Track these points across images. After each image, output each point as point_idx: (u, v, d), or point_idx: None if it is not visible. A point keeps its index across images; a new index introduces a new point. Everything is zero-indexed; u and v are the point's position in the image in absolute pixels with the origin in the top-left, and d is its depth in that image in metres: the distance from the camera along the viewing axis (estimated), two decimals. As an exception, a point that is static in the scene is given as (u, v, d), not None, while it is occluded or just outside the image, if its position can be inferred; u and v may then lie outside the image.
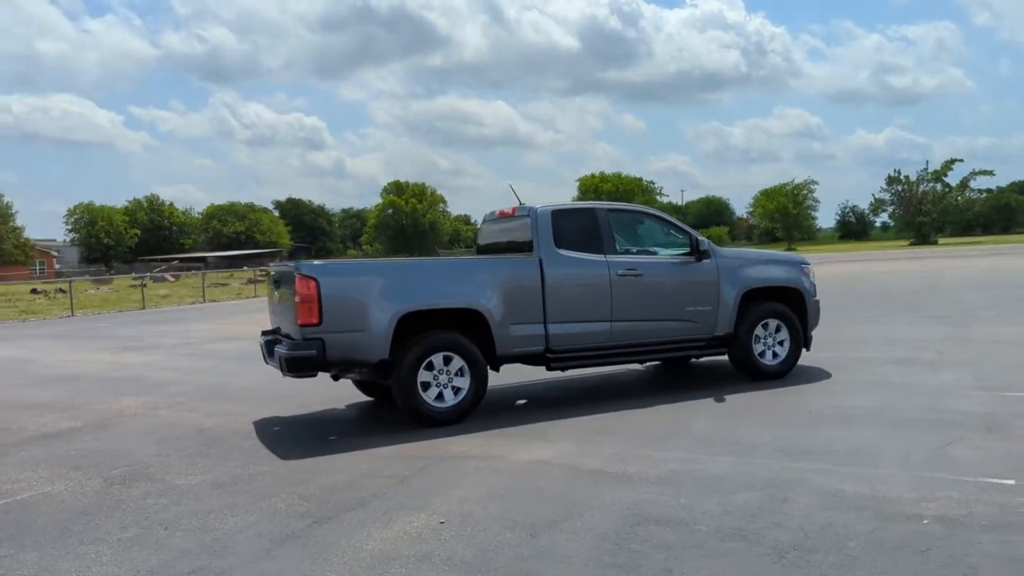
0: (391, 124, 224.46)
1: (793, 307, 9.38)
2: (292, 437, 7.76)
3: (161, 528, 5.23)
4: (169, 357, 14.78)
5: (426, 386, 7.67)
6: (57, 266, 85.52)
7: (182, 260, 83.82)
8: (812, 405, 7.84)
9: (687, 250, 8.93)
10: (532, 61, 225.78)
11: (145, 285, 38.79)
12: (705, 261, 8.93)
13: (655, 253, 9.02)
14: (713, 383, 9.18)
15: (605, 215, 8.80)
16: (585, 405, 8.39)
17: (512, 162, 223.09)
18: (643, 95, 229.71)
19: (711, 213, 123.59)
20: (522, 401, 8.96)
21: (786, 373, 9.22)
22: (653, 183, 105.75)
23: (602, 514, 5.03)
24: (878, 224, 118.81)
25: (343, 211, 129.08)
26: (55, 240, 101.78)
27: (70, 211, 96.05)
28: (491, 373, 8.14)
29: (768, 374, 9.11)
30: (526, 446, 6.80)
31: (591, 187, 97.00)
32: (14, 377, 13.01)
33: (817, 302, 9.62)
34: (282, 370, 7.48)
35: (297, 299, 7.36)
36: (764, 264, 9.54)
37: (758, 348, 9.16)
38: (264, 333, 8.73)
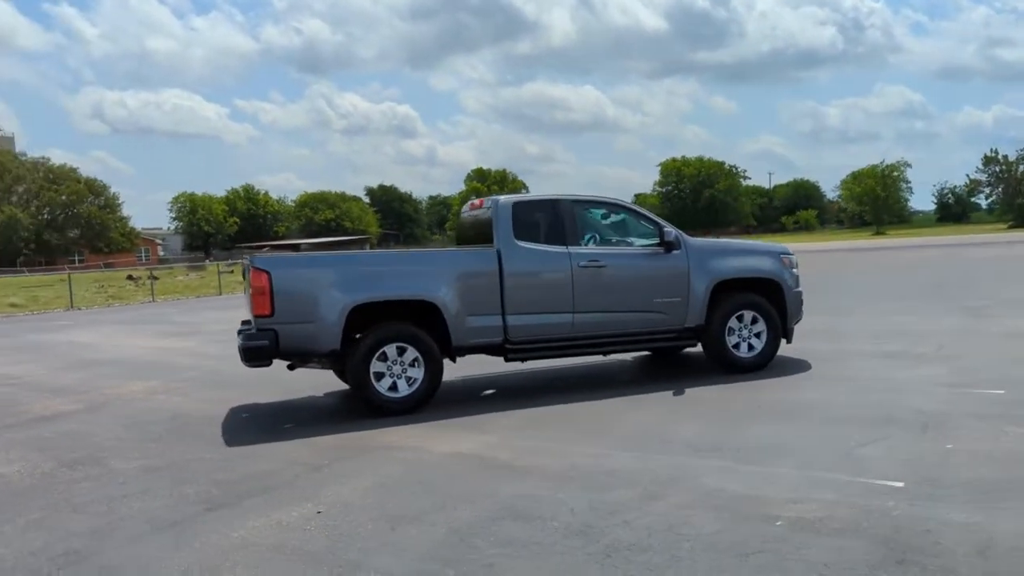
0: (481, 111, 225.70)
1: (771, 299, 9.08)
2: (253, 424, 7.99)
3: (70, 511, 5.48)
4: (204, 343, 15.35)
5: (380, 376, 7.77)
6: (161, 253, 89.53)
7: (274, 247, 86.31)
8: (764, 400, 7.62)
9: (656, 241, 8.74)
10: (620, 44, 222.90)
11: (232, 271, 40.18)
12: (675, 252, 8.73)
13: (630, 244, 8.87)
14: (691, 375, 9.02)
15: (570, 207, 8.70)
16: (547, 396, 8.35)
17: (600, 147, 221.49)
18: (734, 76, 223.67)
19: (799, 197, 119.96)
20: (489, 391, 8.97)
21: (763, 366, 8.95)
22: (736, 167, 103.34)
23: (472, 508, 5.03)
24: (983, 206, 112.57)
25: (431, 198, 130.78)
26: (161, 228, 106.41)
27: (174, 200, 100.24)
28: (501, 362, 8.41)
29: (743, 367, 8.86)
30: (457, 437, 6.82)
31: (672, 170, 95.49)
32: (58, 360, 13.73)
33: (798, 293, 9.28)
34: (241, 359, 7.69)
35: (251, 291, 7.57)
36: (738, 255, 9.27)
37: (732, 340, 8.91)
38: (243, 323, 8.98)
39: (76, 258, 74.78)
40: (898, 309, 14.28)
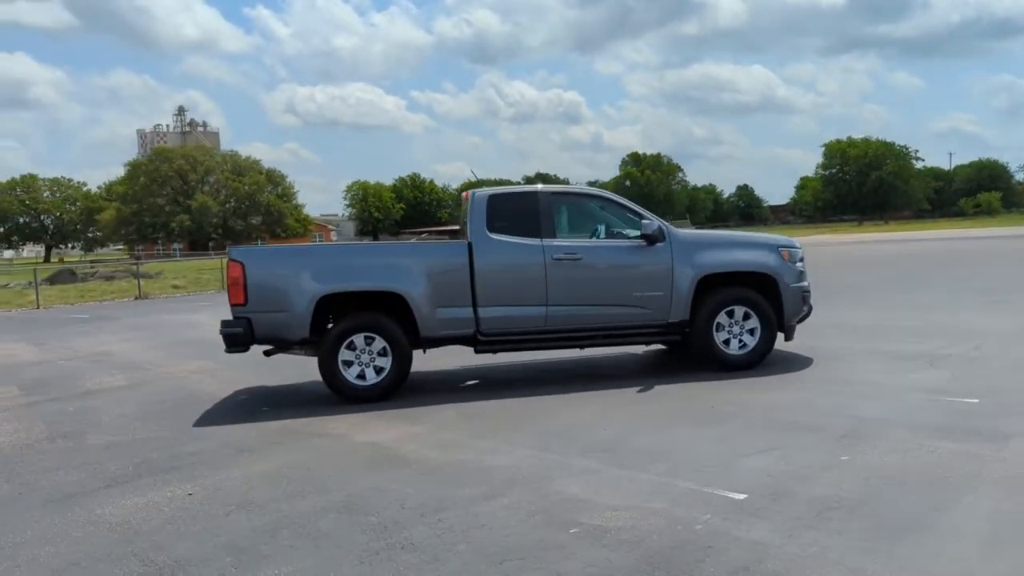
0: (647, 95, 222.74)
1: (768, 294, 8.51)
2: (239, 406, 8.35)
3: (3, 481, 5.99)
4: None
5: (349, 364, 7.95)
6: (334, 237, 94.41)
7: (436, 232, 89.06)
8: (720, 400, 7.21)
9: (639, 233, 8.41)
10: (792, 21, 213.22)
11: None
12: (658, 245, 8.36)
13: (611, 236, 8.59)
14: (684, 371, 8.66)
15: (548, 199, 8.52)
16: (516, 389, 8.27)
17: (771, 128, 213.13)
18: (918, 49, 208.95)
19: (983, 178, 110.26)
20: (472, 382, 8.95)
21: (754, 364, 8.43)
22: (906, 147, 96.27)
23: (317, 498, 5.12)
24: None
25: (589, 183, 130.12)
26: (337, 215, 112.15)
27: (348, 188, 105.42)
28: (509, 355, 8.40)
29: (732, 364, 8.39)
30: (387, 427, 6.91)
31: (837, 152, 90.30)
32: (159, 339, 14.83)
33: (800, 289, 8.64)
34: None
35: (228, 281, 7.93)
36: (729, 248, 8.74)
37: (722, 337, 8.45)
38: None
39: (258, 242, 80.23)
40: (979, 306, 12.95)
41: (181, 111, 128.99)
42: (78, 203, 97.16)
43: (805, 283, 8.79)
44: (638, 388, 7.87)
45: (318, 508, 4.91)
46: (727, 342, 8.47)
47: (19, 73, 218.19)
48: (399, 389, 8.07)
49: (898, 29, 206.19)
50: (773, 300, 8.51)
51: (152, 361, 11.80)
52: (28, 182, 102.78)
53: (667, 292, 8.35)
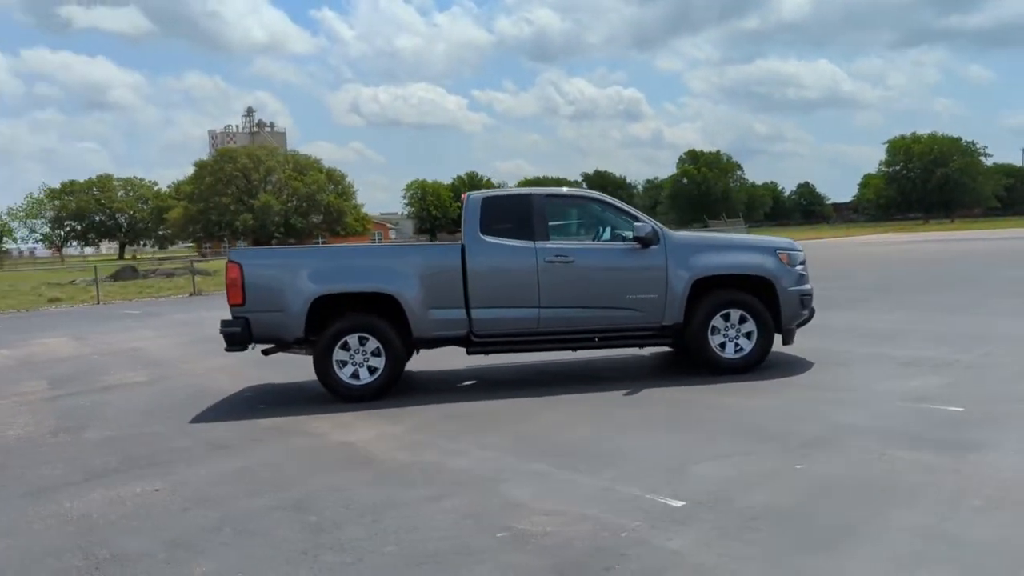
0: (707, 91, 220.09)
1: (765, 298, 8.36)
2: (241, 403, 8.52)
3: (-5, 471, 6.25)
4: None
5: (343, 364, 8.06)
6: (392, 236, 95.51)
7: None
8: (697, 403, 7.16)
9: (633, 236, 8.33)
10: (858, 14, 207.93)
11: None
12: (652, 247, 8.28)
13: (606, 239, 8.56)
14: (678, 374, 8.60)
15: (541, 202, 8.51)
16: (511, 390, 8.28)
17: (836, 124, 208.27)
18: (993, 40, 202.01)
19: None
20: (470, 382, 8.98)
21: (751, 368, 8.30)
22: (974, 143, 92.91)
23: (270, 496, 5.23)
24: None
25: (647, 182, 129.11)
26: (397, 213, 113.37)
27: (407, 187, 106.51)
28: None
29: (727, 368, 8.27)
30: (366, 427, 7.00)
31: (901, 148, 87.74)
32: (192, 334, 15.21)
33: (797, 292, 8.45)
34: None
35: (227, 282, 8.11)
36: (725, 250, 8.60)
37: (717, 340, 8.33)
38: None
39: (319, 240, 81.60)
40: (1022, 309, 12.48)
41: (250, 112, 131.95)
42: (149, 202, 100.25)
43: (806, 287, 8.61)
44: (625, 391, 7.80)
45: (268, 506, 5.01)
46: (722, 345, 8.35)
47: (100, 77, 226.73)
48: (393, 388, 8.15)
49: (970, 20, 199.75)
50: (771, 304, 8.36)
51: (179, 357, 12.12)
52: (104, 182, 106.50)
53: (661, 295, 8.27)
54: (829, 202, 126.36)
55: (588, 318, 8.31)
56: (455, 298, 8.18)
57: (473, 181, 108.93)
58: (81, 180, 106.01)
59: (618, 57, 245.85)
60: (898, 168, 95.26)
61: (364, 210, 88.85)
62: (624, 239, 8.41)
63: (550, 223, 8.44)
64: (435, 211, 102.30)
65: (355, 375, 8.08)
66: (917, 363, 8.38)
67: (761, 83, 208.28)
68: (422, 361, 9.51)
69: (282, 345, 8.37)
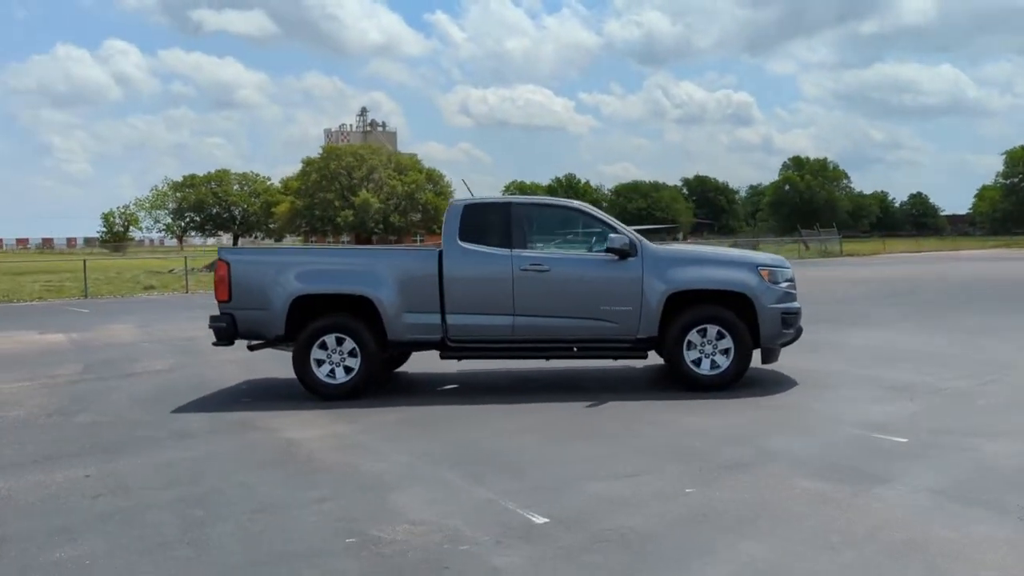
0: (821, 96, 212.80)
1: (744, 314, 8.11)
2: (228, 395, 8.82)
3: (-28, 448, 6.71)
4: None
5: (321, 363, 8.27)
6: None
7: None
8: (648, 421, 7.02)
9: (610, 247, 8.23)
10: (986, 16, 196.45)
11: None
12: (629, 259, 8.16)
13: (584, 249, 8.51)
14: (652, 387, 8.47)
15: (520, 211, 8.51)
16: (481, 396, 8.37)
17: (958, 132, 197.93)
18: None
19: None
20: (452, 386, 9.05)
21: (727, 385, 8.08)
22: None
23: (181, 490, 5.43)
24: None
25: (751, 188, 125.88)
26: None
27: (505, 188, 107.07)
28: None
29: (701, 384, 8.09)
30: (321, 425, 7.16)
31: (1020, 159, 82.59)
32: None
33: (778, 310, 8.15)
34: None
35: (215, 279, 8.45)
36: (703, 265, 8.38)
37: (692, 355, 8.14)
38: None
39: (417, 239, 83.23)
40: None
41: (363, 112, 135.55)
42: (260, 196, 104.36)
43: (790, 305, 8.31)
44: (590, 404, 7.72)
45: (172, 499, 5.21)
46: (698, 361, 8.15)
47: (228, 77, 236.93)
48: (369, 388, 8.30)
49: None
50: (750, 321, 8.10)
51: (210, 349, 12.60)
52: (221, 176, 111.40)
53: (636, 307, 8.14)
54: (944, 214, 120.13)
55: (562, 327, 8.25)
56: (431, 303, 8.27)
57: (571, 183, 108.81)
58: (201, 174, 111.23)
59: (729, 60, 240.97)
60: (1017, 180, 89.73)
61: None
62: (585, 249, 8.36)
63: (530, 232, 8.44)
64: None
65: (331, 374, 8.27)
66: (904, 389, 7.97)
67: (879, 88, 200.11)
68: (421, 362, 9.66)
69: (268, 342, 8.65)
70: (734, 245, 53.31)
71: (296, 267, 8.44)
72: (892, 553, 4.01)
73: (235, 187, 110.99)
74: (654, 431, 6.60)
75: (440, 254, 8.32)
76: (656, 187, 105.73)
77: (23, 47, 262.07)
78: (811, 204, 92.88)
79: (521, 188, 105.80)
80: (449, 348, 8.38)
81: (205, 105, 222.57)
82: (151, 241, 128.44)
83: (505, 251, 8.28)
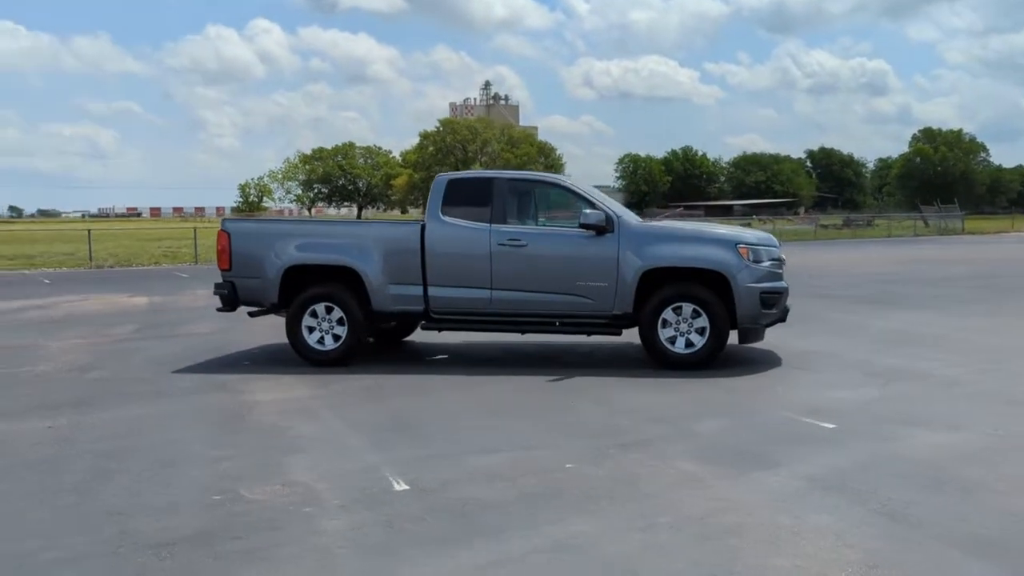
0: (966, 64, 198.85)
1: (722, 293, 7.89)
2: (236, 357, 9.28)
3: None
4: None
5: (312, 330, 8.61)
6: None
7: (707, 208, 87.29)
8: (590, 399, 6.95)
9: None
10: None
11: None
12: (607, 235, 8.07)
13: (563, 224, 8.46)
14: (631, 365, 8.36)
15: (503, 185, 8.53)
16: (461, 367, 8.56)
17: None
18: None
19: None
20: (442, 356, 9.23)
21: (701, 364, 7.91)
22: None
23: (108, 444, 5.82)
24: None
25: (879, 160, 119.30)
26: (610, 186, 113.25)
27: (620, 160, 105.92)
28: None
29: (675, 363, 7.95)
30: (291, 389, 7.48)
31: None
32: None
33: (756, 289, 7.86)
34: None
35: (217, 248, 8.91)
36: (680, 242, 8.17)
37: (667, 333, 8.00)
38: None
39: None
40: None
41: (487, 86, 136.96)
42: (382, 169, 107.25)
43: (772, 284, 8.01)
44: (555, 378, 7.74)
45: (99, 451, 5.56)
46: (672, 339, 8.00)
47: (361, 52, 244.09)
48: (356, 355, 8.59)
49: None
50: (728, 299, 7.88)
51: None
52: (347, 149, 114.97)
53: (611, 283, 8.06)
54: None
55: (538, 302, 8.27)
56: (414, 275, 8.45)
57: (687, 155, 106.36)
58: (329, 147, 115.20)
59: (864, 26, 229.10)
60: None
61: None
62: (564, 224, 8.30)
63: (511, 207, 8.46)
64: (644, 185, 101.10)
65: (321, 341, 8.60)
66: (885, 374, 7.61)
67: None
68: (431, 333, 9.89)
69: (266, 309, 9.05)
70: (846, 222, 50.63)
71: (290, 238, 8.78)
72: (705, 536, 3.93)
73: (360, 160, 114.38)
74: (591, 408, 6.58)
75: (423, 227, 8.48)
76: (776, 159, 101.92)
77: (178, 27, 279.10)
78: (943, 178, 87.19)
79: (634, 160, 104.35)
80: (431, 319, 8.55)
81: (340, 80, 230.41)
82: (289, 212, 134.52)
83: (484, 226, 8.34)
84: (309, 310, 8.58)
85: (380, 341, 10.02)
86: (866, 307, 12.58)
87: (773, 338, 9.35)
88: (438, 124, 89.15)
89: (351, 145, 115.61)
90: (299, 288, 8.71)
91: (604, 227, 8.07)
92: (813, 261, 23.97)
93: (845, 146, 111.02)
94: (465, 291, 8.39)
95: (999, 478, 4.68)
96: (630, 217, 8.45)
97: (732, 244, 8.02)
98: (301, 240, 8.81)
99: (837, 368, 7.96)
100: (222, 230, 8.90)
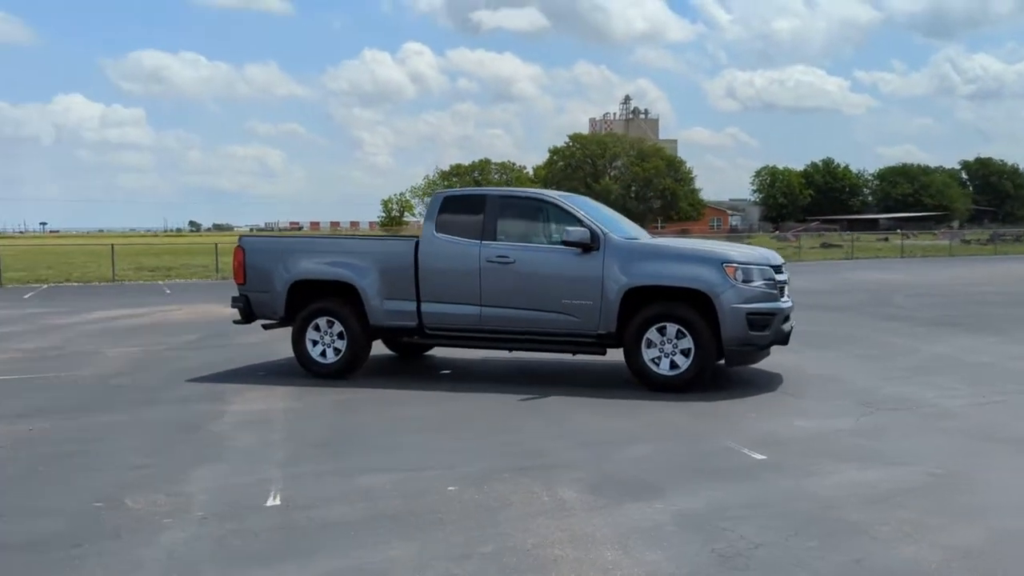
0: None
1: (707, 313, 7.50)
2: (252, 369, 9.58)
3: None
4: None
5: (315, 343, 8.83)
6: (733, 223, 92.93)
7: (850, 222, 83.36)
8: (549, 419, 6.76)
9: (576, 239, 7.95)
10: None
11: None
12: (592, 252, 7.85)
13: (552, 242, 8.29)
14: (615, 385, 8.09)
15: (495, 202, 8.46)
16: (450, 384, 8.49)
17: None
18: None
19: None
20: (445, 372, 9.22)
21: (686, 387, 7.54)
22: None
23: (71, 446, 6.18)
24: None
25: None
26: (747, 199, 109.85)
27: (756, 172, 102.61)
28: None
29: (659, 385, 7.63)
30: (270, 401, 7.68)
31: None
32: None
33: (743, 310, 7.40)
34: None
35: (234, 264, 9.30)
36: (662, 260, 7.81)
37: (652, 354, 7.67)
38: None
39: (658, 225, 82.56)
40: None
41: (626, 100, 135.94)
42: (513, 184, 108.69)
43: (762, 305, 7.52)
44: (528, 397, 7.58)
45: (60, 452, 5.92)
46: (657, 360, 7.66)
47: (506, 71, 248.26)
48: (357, 369, 8.74)
49: None
50: (712, 320, 7.47)
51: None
52: (483, 165, 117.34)
53: (596, 301, 7.83)
54: None
55: (525, 319, 8.13)
56: (408, 291, 8.51)
57: (829, 168, 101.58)
58: (466, 164, 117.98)
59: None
60: None
61: (703, 196, 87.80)
62: (552, 241, 8.11)
63: (503, 224, 8.36)
64: (782, 198, 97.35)
65: (323, 354, 8.80)
66: (876, 404, 7.03)
67: None
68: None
69: (277, 322, 9.33)
70: (992, 237, 46.55)
71: (297, 254, 9.04)
72: (513, 569, 3.75)
73: (494, 175, 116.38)
74: (537, 429, 6.40)
75: (417, 244, 8.53)
76: (926, 171, 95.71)
77: (337, 53, 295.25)
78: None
79: (772, 173, 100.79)
80: (425, 335, 8.57)
81: (486, 98, 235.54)
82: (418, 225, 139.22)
83: (475, 242, 8.30)
84: (312, 324, 8.80)
85: (403, 355, 10.16)
86: (932, 330, 11.60)
87: (791, 360, 8.86)
88: (567, 139, 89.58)
89: (486, 161, 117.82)
90: (306, 302, 8.96)
91: (589, 244, 7.85)
92: (922, 279, 22.38)
93: (1012, 155, 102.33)
94: (456, 307, 8.36)
95: (889, 522, 4.20)
96: (622, 234, 8.18)
97: (717, 262, 7.59)
98: (306, 256, 9.04)
99: (833, 396, 7.38)
100: (238, 246, 9.28)
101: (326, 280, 8.83)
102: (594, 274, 7.85)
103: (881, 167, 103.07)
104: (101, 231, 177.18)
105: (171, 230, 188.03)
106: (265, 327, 9.59)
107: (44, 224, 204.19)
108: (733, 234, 70.54)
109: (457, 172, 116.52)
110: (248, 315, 9.25)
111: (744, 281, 7.52)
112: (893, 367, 8.72)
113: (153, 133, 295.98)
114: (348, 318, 8.65)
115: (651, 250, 8.05)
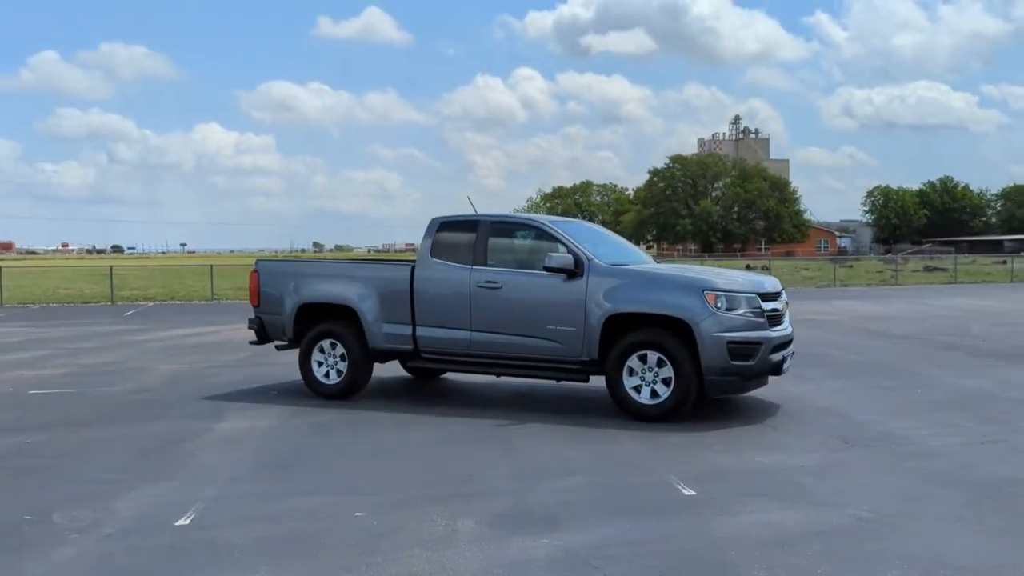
0: None
1: (688, 341, 7.24)
2: (264, 389, 9.84)
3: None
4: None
5: (320, 364, 9.03)
6: (840, 244, 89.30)
7: (970, 243, 78.97)
8: (503, 448, 6.68)
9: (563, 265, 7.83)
10: None
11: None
12: (577, 278, 7.73)
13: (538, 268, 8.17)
14: (591, 412, 7.89)
15: (488, 227, 8.44)
16: (440, 407, 8.48)
17: None
18: None
19: None
20: (448, 393, 9.23)
21: (666, 416, 7.31)
22: None
23: (48, 460, 6.50)
24: None
25: None
26: (859, 220, 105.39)
27: (868, 192, 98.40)
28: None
29: (641, 414, 7.41)
30: (262, 420, 7.87)
31: None
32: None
33: (724, 339, 7.09)
34: None
35: (249, 287, 9.63)
36: (643, 287, 7.58)
37: (632, 382, 7.46)
38: None
39: (761, 247, 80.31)
40: None
41: (736, 120, 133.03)
42: (613, 205, 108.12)
43: (746, 334, 7.19)
44: (505, 423, 7.50)
45: (38, 465, 6.24)
46: (638, 389, 7.44)
47: (615, 94, 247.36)
48: (359, 391, 8.89)
49: None
50: (692, 348, 7.20)
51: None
52: (584, 187, 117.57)
53: (579, 328, 7.69)
54: None
55: (512, 345, 8.07)
56: (405, 315, 8.59)
57: (947, 187, 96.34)
58: (568, 186, 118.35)
59: None
60: None
61: (817, 216, 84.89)
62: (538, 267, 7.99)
63: (496, 249, 8.34)
64: (896, 219, 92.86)
65: (327, 375, 8.98)
66: (856, 441, 6.62)
67: None
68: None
69: (288, 343, 9.56)
70: None
71: (305, 278, 9.26)
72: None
73: (595, 197, 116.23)
74: (490, 457, 6.33)
75: (413, 268, 8.60)
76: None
77: (452, 79, 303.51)
78: None
79: (885, 193, 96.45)
80: (421, 359, 8.62)
81: (595, 121, 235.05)
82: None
83: (467, 267, 8.31)
84: (317, 345, 8.99)
85: (418, 377, 10.23)
86: (987, 361, 10.80)
87: (803, 390, 8.49)
88: (667, 161, 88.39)
89: (588, 183, 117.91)
90: (313, 324, 9.16)
91: (572, 270, 7.72)
92: (1019, 306, 20.83)
93: None
94: (448, 332, 8.37)
95: (770, 567, 3.94)
96: (614, 260, 8.01)
97: (698, 290, 7.32)
98: (313, 279, 9.25)
99: (817, 430, 6.97)
100: (253, 270, 9.60)
101: (329, 303, 9.02)
102: (577, 300, 7.71)
103: (1006, 185, 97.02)
104: (232, 251, 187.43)
105: (296, 250, 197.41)
106: (278, 348, 9.84)
107: (184, 245, 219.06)
108: (839, 256, 67.83)
109: (560, 194, 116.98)
110: (263, 336, 9.53)
111: (727, 309, 7.22)
112: (909, 400, 8.17)
113: (282, 159, 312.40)
114: (349, 340, 8.80)
115: (635, 276, 7.84)
